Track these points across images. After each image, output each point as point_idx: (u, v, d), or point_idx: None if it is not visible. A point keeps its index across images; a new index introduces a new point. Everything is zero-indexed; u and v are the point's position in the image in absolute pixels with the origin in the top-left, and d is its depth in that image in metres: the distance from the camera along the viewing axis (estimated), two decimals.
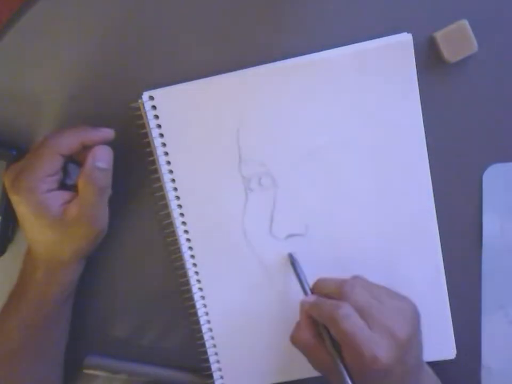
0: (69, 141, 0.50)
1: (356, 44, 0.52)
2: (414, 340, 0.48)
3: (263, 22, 0.53)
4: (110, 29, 0.55)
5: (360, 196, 0.54)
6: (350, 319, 0.46)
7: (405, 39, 0.51)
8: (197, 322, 0.57)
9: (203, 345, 0.57)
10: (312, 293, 0.52)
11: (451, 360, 0.56)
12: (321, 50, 0.52)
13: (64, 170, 0.52)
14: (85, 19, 0.55)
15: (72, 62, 0.55)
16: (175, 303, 0.58)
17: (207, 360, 0.58)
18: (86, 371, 0.59)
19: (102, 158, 0.50)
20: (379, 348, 0.45)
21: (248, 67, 0.53)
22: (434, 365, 0.55)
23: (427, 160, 0.53)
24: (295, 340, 0.51)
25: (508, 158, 0.54)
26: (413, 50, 0.51)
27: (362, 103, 0.52)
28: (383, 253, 0.55)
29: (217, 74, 0.53)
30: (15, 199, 0.50)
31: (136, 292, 0.59)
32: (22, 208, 0.50)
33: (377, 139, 0.53)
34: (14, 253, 0.58)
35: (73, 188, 0.51)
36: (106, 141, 0.51)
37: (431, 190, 0.54)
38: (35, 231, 0.50)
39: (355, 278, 0.51)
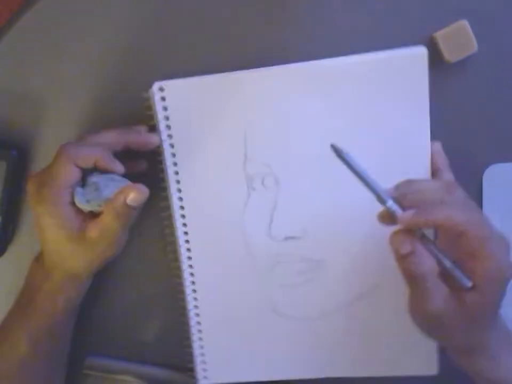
0: (85, 156, 0.49)
1: (371, 53, 0.51)
2: None
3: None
4: (109, 28, 0.55)
5: (362, 204, 0.53)
6: (489, 224, 0.44)
7: (420, 52, 0.51)
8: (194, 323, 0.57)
9: (190, 345, 0.57)
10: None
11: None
12: (332, 56, 0.52)
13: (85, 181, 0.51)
14: (84, 19, 0.55)
15: (72, 61, 0.55)
16: (176, 303, 0.58)
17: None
18: (85, 372, 0.59)
19: (134, 198, 0.49)
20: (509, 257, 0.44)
21: (262, 67, 0.52)
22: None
23: (429, 169, 0.53)
24: (422, 270, 0.43)
25: (508, 158, 0.54)
26: (427, 64, 0.50)
27: (371, 112, 0.52)
28: (383, 256, 0.55)
29: (230, 71, 0.53)
30: (39, 210, 0.50)
31: (136, 291, 0.59)
32: (45, 219, 0.50)
33: (383, 147, 0.53)
34: (14, 253, 0.58)
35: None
36: (119, 173, 0.51)
37: None
38: (54, 241, 0.50)
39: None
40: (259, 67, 0.52)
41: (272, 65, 0.52)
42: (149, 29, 0.55)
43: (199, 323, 0.57)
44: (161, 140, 0.54)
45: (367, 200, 0.53)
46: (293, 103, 0.53)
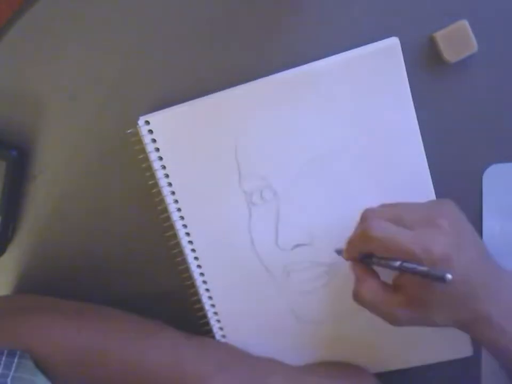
0: None
1: (345, 52, 0.52)
2: (463, 230, 0.47)
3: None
4: (110, 28, 0.55)
5: (362, 201, 0.54)
6: (379, 226, 0.46)
7: (393, 43, 0.51)
8: (209, 329, 0.57)
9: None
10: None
11: (451, 360, 0.56)
12: (316, 59, 0.52)
13: None
14: (85, 18, 0.55)
15: (72, 61, 0.55)
16: (178, 304, 0.58)
17: None
18: None
19: None
20: (426, 241, 0.44)
21: (240, 83, 0.53)
22: (434, 364, 0.55)
23: (425, 160, 0.53)
24: (362, 295, 0.48)
25: (508, 158, 0.54)
26: (401, 53, 0.51)
27: (357, 110, 0.52)
28: None
29: (210, 93, 0.53)
30: None
31: (140, 292, 0.59)
32: None
33: (375, 144, 0.53)
34: (14, 253, 0.58)
35: None
36: None
37: (433, 190, 0.54)
38: None
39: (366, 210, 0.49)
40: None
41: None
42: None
43: (223, 336, 0.57)
44: (155, 171, 0.54)
45: (367, 196, 0.53)
46: (277, 113, 0.53)
